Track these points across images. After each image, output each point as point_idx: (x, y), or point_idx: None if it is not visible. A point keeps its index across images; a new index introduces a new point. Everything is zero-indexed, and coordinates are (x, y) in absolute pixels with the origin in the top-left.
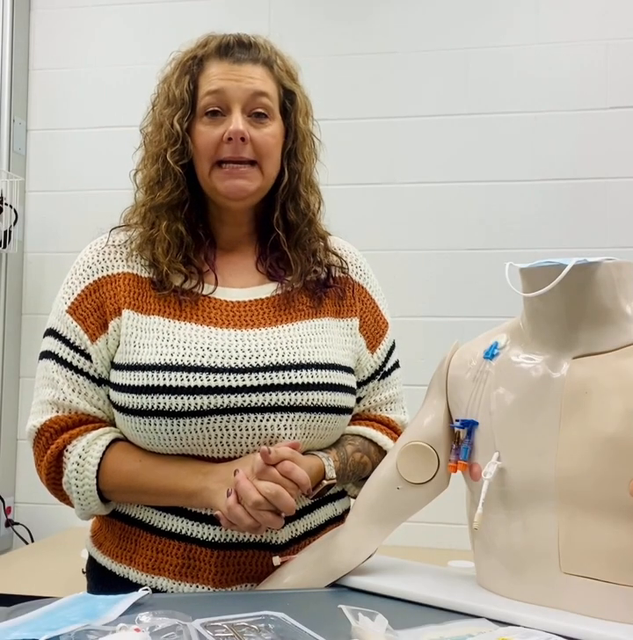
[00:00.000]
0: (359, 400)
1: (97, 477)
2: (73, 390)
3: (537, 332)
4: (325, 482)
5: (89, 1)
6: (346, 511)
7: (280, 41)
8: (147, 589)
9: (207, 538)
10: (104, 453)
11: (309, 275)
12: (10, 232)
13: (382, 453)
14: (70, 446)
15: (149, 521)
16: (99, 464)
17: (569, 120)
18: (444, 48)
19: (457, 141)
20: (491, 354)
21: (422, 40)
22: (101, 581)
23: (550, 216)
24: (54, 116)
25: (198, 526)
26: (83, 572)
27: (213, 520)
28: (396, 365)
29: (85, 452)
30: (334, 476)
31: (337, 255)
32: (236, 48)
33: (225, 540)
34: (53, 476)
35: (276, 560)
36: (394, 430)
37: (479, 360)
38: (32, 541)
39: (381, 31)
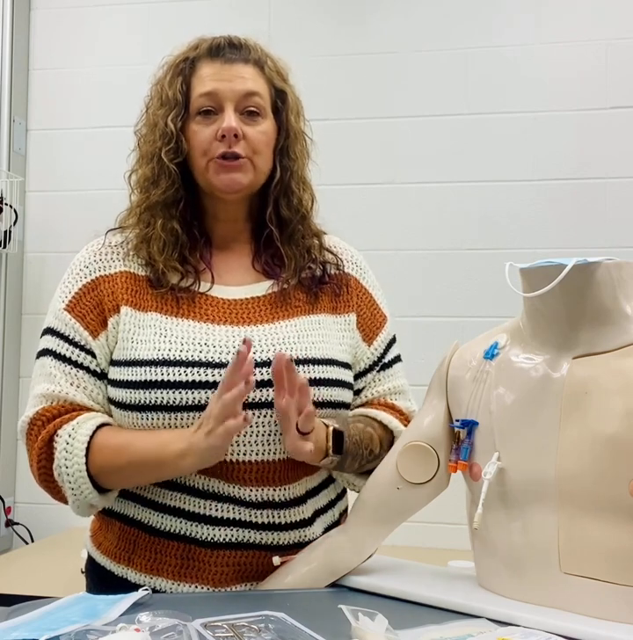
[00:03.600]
0: (359, 391)
1: (86, 457)
2: (71, 384)
3: (537, 332)
4: (335, 426)
5: (89, 1)
6: (342, 513)
7: (279, 42)
8: (147, 589)
9: (206, 538)
10: (94, 432)
11: (303, 271)
12: (10, 232)
13: (387, 431)
14: (61, 430)
15: (148, 522)
16: (89, 443)
17: (569, 120)
18: (444, 48)
19: (457, 141)
20: (491, 354)
21: (422, 40)
22: (100, 581)
23: (550, 216)
24: (54, 116)
25: (196, 526)
26: (82, 572)
27: (211, 521)
28: (398, 358)
29: (74, 431)
30: (337, 426)
31: (332, 253)
32: (226, 49)
33: (224, 540)
34: (44, 463)
35: (276, 560)
36: (399, 413)
37: (479, 359)
38: (32, 541)
39: (382, 31)
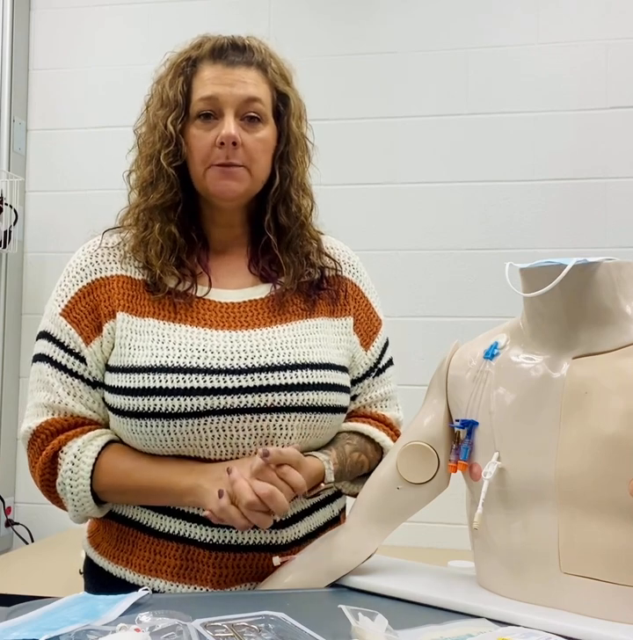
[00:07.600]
0: (354, 397)
1: (91, 477)
2: (68, 393)
3: (537, 332)
4: (323, 485)
5: (89, 1)
6: (342, 511)
7: (279, 42)
8: (147, 589)
9: (205, 539)
10: (99, 453)
11: (302, 278)
12: (10, 232)
13: (379, 450)
14: (66, 447)
15: (146, 523)
16: (94, 464)
17: (569, 120)
18: (444, 48)
19: (457, 141)
20: (491, 354)
21: (422, 40)
22: (98, 582)
23: (550, 216)
24: (54, 116)
25: (195, 527)
26: (81, 573)
27: (210, 522)
28: (390, 362)
29: (81, 452)
30: (333, 479)
31: (330, 256)
32: (229, 51)
33: (222, 541)
34: (47, 477)
35: (276, 560)
36: (390, 427)
37: (479, 359)
38: (33, 541)
39: (382, 31)
